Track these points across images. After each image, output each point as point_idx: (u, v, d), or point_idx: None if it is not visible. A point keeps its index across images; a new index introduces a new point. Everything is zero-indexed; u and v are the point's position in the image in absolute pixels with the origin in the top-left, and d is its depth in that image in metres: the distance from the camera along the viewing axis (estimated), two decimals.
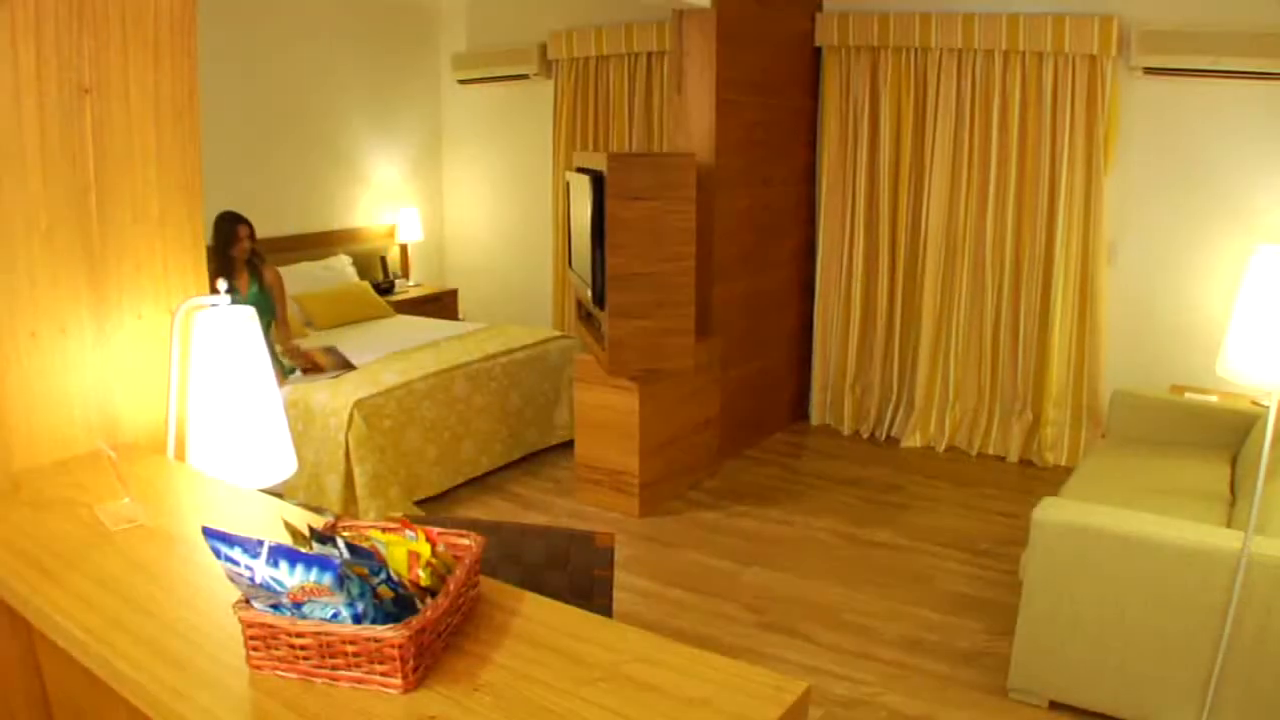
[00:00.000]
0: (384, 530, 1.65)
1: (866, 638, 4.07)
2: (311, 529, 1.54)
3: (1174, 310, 5.83)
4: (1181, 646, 3.27)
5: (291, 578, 1.40)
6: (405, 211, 8.03)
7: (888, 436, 6.72)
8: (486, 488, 5.67)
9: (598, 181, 4.89)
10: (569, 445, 6.18)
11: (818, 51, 6.56)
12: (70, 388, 2.41)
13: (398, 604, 1.50)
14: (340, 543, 1.50)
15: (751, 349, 6.36)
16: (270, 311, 5.43)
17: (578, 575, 2.42)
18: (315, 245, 7.28)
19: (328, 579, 1.40)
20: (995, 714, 3.54)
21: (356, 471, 4.88)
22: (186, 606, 1.72)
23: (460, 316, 8.08)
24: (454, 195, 8.64)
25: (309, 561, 1.40)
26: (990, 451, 6.35)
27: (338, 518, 1.76)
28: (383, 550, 1.56)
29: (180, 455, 2.51)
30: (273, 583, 1.41)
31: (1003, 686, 3.65)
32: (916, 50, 6.15)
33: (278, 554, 1.40)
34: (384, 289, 7.54)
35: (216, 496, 2.27)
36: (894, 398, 6.71)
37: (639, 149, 7.19)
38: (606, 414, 5.27)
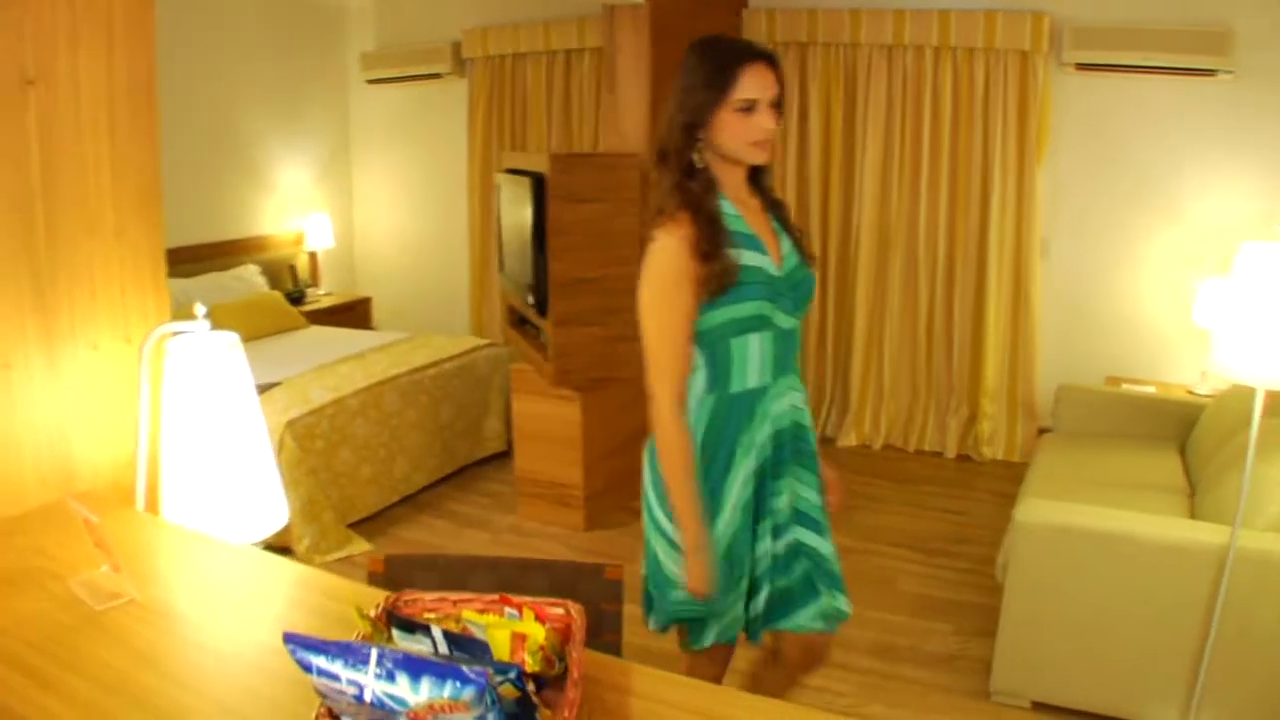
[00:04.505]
0: (481, 610, 1.42)
1: (837, 647, 3.90)
2: (392, 615, 1.32)
3: (1106, 302, 5.88)
4: (1165, 642, 3.27)
5: (416, 694, 1.15)
6: (314, 217, 7.71)
7: (823, 437, 6.65)
8: (421, 506, 5.44)
9: (538, 183, 4.70)
10: (500, 457, 6.01)
11: None
12: (18, 430, 2.13)
13: (519, 704, 1.27)
14: (436, 632, 1.27)
15: None
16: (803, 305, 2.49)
17: (585, 611, 2.25)
18: (221, 255, 6.91)
19: (468, 694, 1.15)
20: (979, 717, 3.48)
21: (289, 497, 4.61)
22: (226, 713, 1.45)
23: (373, 325, 7.80)
24: (364, 199, 8.33)
25: (441, 673, 1.15)
26: (927, 448, 6.32)
27: (399, 594, 1.50)
28: (479, 634, 1.34)
29: (153, 507, 2.22)
30: (389, 700, 1.16)
31: (983, 689, 3.61)
32: (846, 46, 6.09)
33: (395, 663, 1.15)
34: (294, 299, 7.22)
35: (208, 558, 2.00)
36: (828, 397, 6.65)
37: (559, 149, 7.00)
38: (547, 425, 5.09)
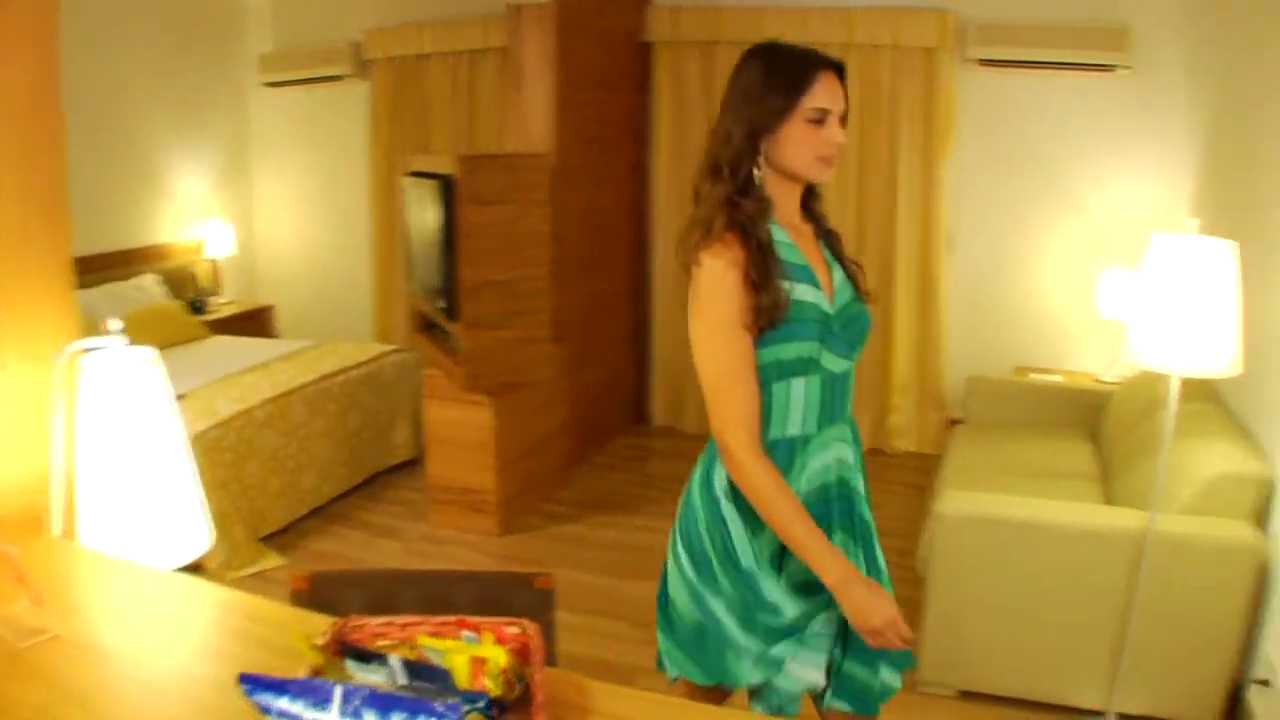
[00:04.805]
0: (434, 633, 1.34)
1: None
2: (344, 644, 1.25)
3: (1012, 294, 5.98)
4: (1087, 626, 3.34)
5: None
6: (214, 224, 7.49)
7: None
8: (332, 517, 5.31)
9: (446, 185, 4.63)
10: (410, 465, 5.92)
11: (647, 46, 6.44)
12: None
13: None
14: (394, 661, 1.21)
15: (592, 353, 6.16)
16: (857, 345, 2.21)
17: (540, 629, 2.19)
18: (120, 264, 6.68)
19: None
20: (907, 708, 3.48)
21: None
22: None
23: (277, 334, 7.62)
24: (265, 205, 8.12)
25: (412, 709, 1.08)
26: None
27: (345, 619, 1.41)
28: (437, 660, 1.27)
29: (69, 532, 2.06)
30: None
31: (909, 679, 3.59)
32: (752, 45, 6.07)
33: (362, 701, 1.08)
34: (195, 308, 7.02)
35: (130, 585, 1.87)
36: None
37: (465, 151, 6.90)
38: (459, 430, 5.00)
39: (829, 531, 2.09)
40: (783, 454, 2.06)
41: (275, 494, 4.95)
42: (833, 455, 2.12)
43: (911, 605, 3.84)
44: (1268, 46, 3.92)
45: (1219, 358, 2.89)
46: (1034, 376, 5.55)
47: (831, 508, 2.12)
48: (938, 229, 5.91)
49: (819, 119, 1.99)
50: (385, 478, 5.87)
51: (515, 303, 4.78)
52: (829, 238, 2.23)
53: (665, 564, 2.26)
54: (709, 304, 2.00)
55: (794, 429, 2.07)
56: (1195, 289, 2.88)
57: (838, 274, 2.16)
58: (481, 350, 4.75)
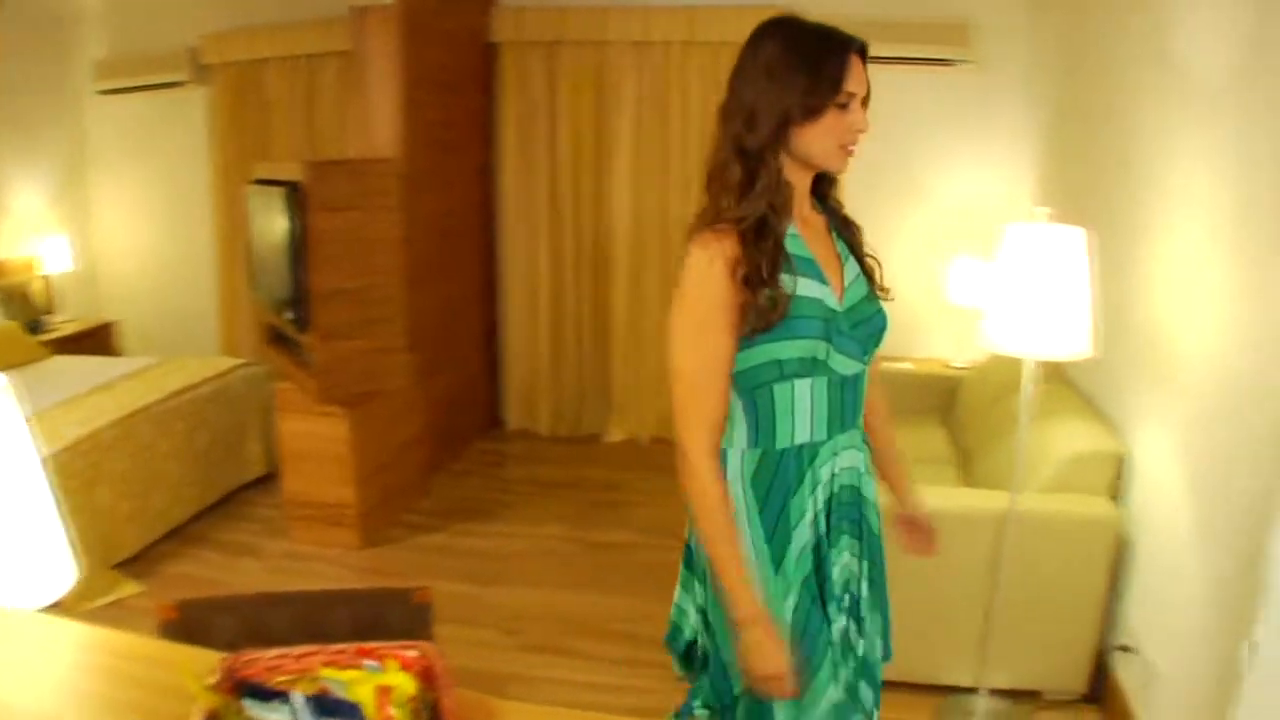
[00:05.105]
0: (329, 663, 1.30)
1: (633, 644, 3.97)
2: (240, 682, 1.19)
3: None
4: (956, 608, 3.44)
5: None
6: (52, 240, 7.16)
7: (590, 435, 6.67)
8: (188, 539, 5.12)
9: (293, 192, 4.52)
10: (264, 481, 5.77)
11: (491, 47, 6.39)
12: None
13: None
14: (297, 699, 1.16)
15: (444, 359, 6.08)
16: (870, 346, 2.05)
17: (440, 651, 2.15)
18: None
19: None
20: None
21: None
22: None
23: (120, 351, 7.34)
24: (104, 218, 7.77)
25: None
26: None
27: (236, 654, 1.34)
28: (341, 692, 1.23)
29: None
30: None
31: None
32: (596, 44, 6.14)
33: None
34: (33, 327, 6.71)
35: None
36: (592, 395, 6.68)
37: (306, 156, 6.74)
38: (315, 444, 4.89)
39: (836, 539, 2.02)
40: (791, 466, 1.96)
41: (126, 518, 4.76)
42: (842, 463, 2.01)
43: None
44: (1103, 41, 4.06)
45: (1074, 341, 2.99)
46: (885, 364, 5.62)
47: (835, 514, 2.02)
48: None
49: (845, 103, 1.85)
50: (240, 495, 5.70)
51: (367, 311, 4.71)
52: (846, 229, 2.09)
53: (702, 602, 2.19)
54: (690, 297, 1.87)
55: (802, 436, 1.95)
56: (1048, 275, 2.97)
57: (850, 269, 2.02)
58: (335, 361, 4.66)
